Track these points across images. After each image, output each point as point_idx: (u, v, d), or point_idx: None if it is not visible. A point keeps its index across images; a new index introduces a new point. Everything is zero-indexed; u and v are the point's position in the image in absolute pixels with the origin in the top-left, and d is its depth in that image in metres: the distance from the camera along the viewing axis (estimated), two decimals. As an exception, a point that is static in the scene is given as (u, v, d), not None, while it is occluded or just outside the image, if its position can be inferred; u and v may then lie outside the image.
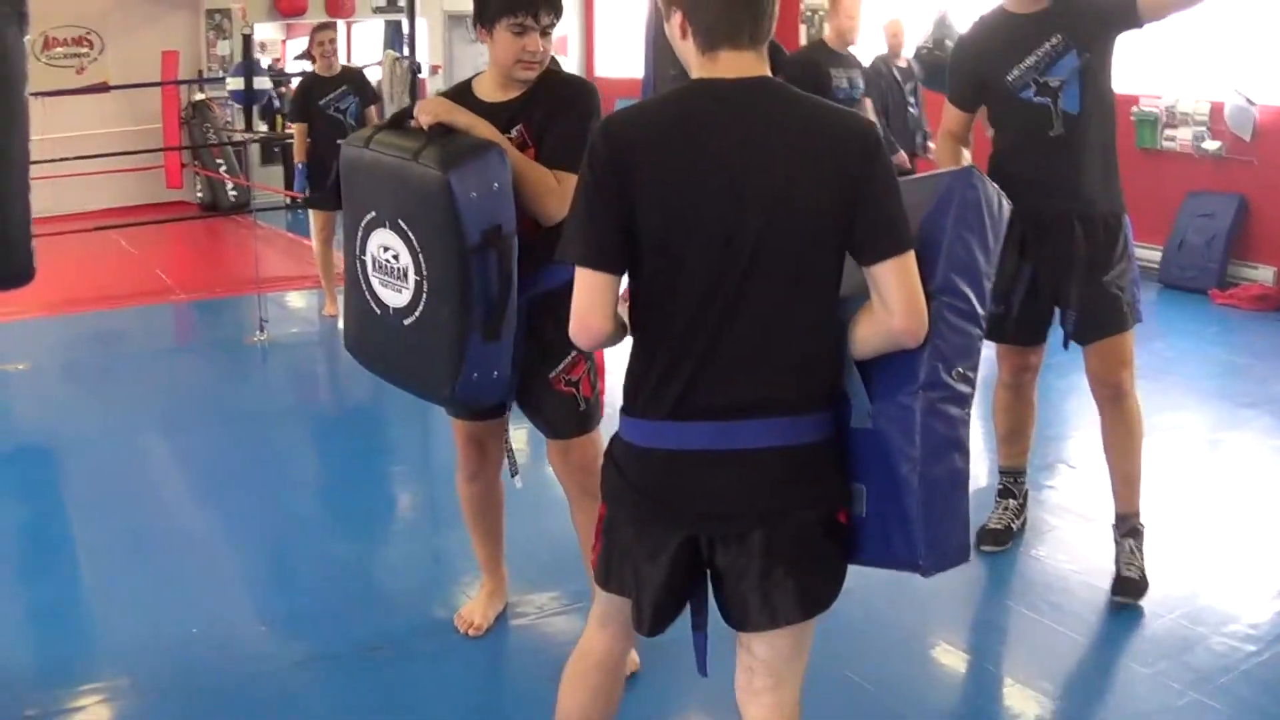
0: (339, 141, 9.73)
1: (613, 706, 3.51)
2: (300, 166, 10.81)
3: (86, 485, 7.38)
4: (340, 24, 21.21)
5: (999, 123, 5.59)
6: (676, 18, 3.03)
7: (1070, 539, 6.15)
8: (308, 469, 7.71)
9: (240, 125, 18.45)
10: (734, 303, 2.93)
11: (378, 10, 20.23)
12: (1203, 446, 7.58)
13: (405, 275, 4.04)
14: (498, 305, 3.64)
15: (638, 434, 3.09)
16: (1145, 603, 5.43)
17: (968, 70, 5.61)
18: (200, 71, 18.72)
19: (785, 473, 3.02)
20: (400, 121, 4.20)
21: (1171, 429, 7.60)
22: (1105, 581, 5.60)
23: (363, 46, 21.90)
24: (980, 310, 3.10)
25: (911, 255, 2.95)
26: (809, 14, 16.14)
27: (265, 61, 19.45)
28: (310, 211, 11.15)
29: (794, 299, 2.96)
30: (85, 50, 18.03)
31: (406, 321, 4.10)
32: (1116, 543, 5.62)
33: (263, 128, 19.16)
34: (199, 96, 18.46)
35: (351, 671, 4.98)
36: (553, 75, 4.44)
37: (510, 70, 4.33)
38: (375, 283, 4.19)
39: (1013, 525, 6.11)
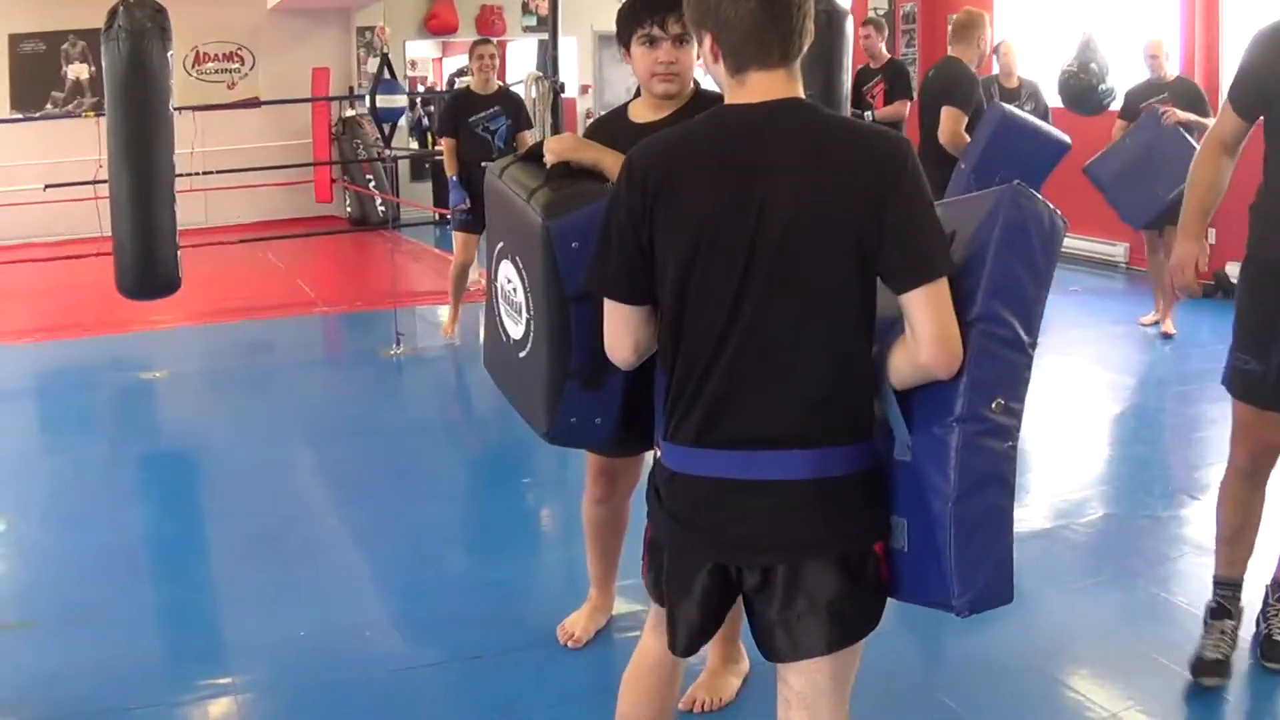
0: (483, 164, 9.83)
1: (668, 708, 3.53)
2: (454, 180, 10.63)
3: (217, 490, 7.54)
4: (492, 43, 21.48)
5: (1276, 154, 4.77)
6: (707, 41, 3.00)
7: (1186, 572, 6.06)
8: (434, 481, 7.77)
9: (394, 141, 18.65)
10: (755, 330, 2.91)
11: (528, 29, 20.37)
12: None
13: (520, 310, 4.04)
14: (599, 354, 3.62)
15: (670, 458, 3.09)
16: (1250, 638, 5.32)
17: (1255, 78, 4.72)
18: (350, 88, 18.97)
19: (812, 506, 2.96)
20: (535, 154, 4.13)
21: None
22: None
23: (516, 66, 22.08)
24: (1026, 338, 2.95)
25: (943, 283, 2.85)
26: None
27: (473, 77, 19.70)
28: (453, 233, 11.05)
29: (817, 327, 2.91)
30: (236, 66, 18.36)
31: (520, 354, 4.10)
32: (1271, 604, 5.11)
33: (413, 144, 19.37)
34: (349, 113, 18.68)
35: (452, 679, 5.03)
36: (709, 94, 4.27)
37: (650, 85, 4.28)
38: (501, 310, 4.21)
39: (1230, 654, 4.95)
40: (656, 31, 4.17)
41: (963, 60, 9.33)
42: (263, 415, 8.90)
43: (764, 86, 2.96)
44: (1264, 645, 5.02)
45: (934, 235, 2.88)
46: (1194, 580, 5.83)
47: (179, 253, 8.27)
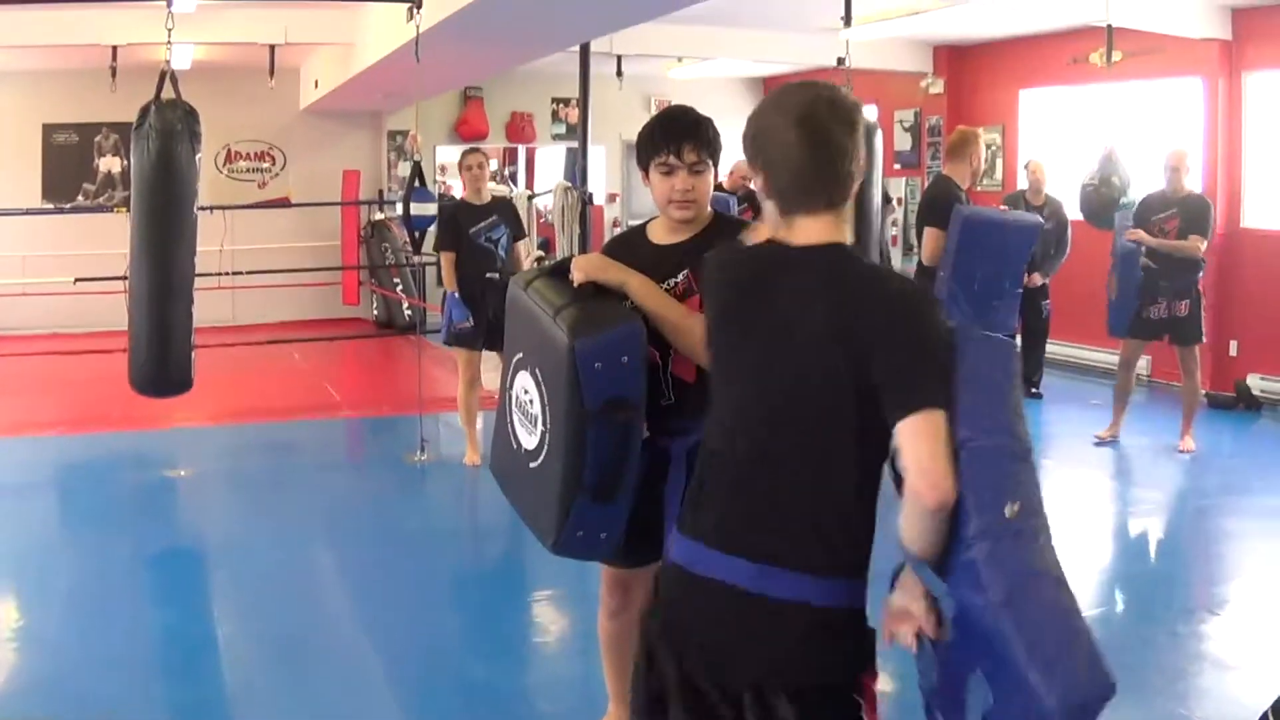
0: (489, 275, 9.61)
1: None
2: (454, 295, 10.15)
3: (238, 590, 7.54)
4: (521, 150, 21.58)
5: None
6: (761, 179, 3.14)
7: (1204, 688, 6.06)
8: (454, 590, 7.78)
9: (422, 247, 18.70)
10: (759, 454, 3.01)
11: (557, 137, 20.52)
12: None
13: (536, 422, 4.06)
14: (611, 471, 3.63)
15: (675, 548, 3.17)
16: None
17: None
18: (380, 191, 19.08)
19: (811, 641, 2.99)
20: (562, 269, 4.15)
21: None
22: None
23: (544, 173, 22.21)
24: (1019, 443, 2.94)
25: (933, 415, 2.87)
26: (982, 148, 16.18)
27: (455, 185, 19.79)
28: (455, 349, 10.46)
29: (813, 462, 2.98)
30: (267, 165, 18.50)
31: (532, 465, 4.12)
32: None
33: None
34: (378, 216, 18.77)
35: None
36: (726, 219, 4.46)
37: (667, 211, 4.32)
38: (515, 419, 4.23)
39: None
40: (673, 160, 4.23)
41: (953, 179, 9.32)
42: (285, 517, 8.92)
43: (808, 230, 3.07)
44: None
45: (926, 370, 2.91)
46: (1211, 696, 5.88)
47: (194, 353, 8.34)
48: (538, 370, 4.05)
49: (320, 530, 8.71)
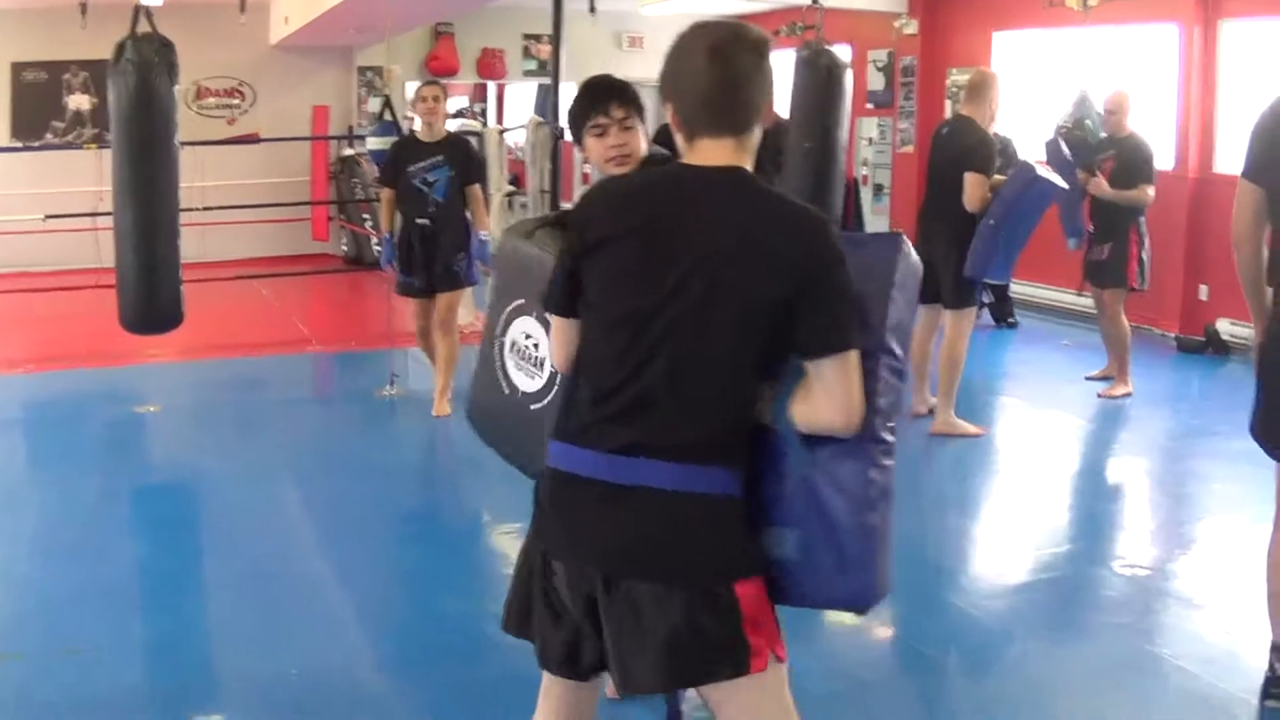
0: (418, 220, 9.45)
1: None
2: (385, 237, 9.90)
3: (209, 525, 7.60)
4: (491, 86, 21.50)
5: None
6: (669, 109, 3.21)
7: (1171, 625, 6.12)
8: (425, 523, 7.80)
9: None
10: (656, 355, 3.05)
11: (528, 74, 20.44)
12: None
13: (542, 364, 4.18)
14: None
15: (553, 454, 3.24)
16: (1236, 692, 5.30)
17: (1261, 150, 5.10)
18: (350, 127, 18.98)
19: (680, 525, 3.07)
20: (562, 221, 4.16)
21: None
22: (1199, 668, 5.54)
23: (514, 110, 22.16)
24: (906, 368, 3.25)
25: (854, 354, 3.04)
26: (954, 90, 16.17)
27: (419, 121, 19.67)
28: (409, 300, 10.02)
29: (707, 371, 3.05)
30: (237, 102, 18.40)
31: (533, 407, 4.23)
32: None
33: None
34: (348, 152, 18.68)
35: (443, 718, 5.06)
36: (653, 156, 4.53)
37: (606, 170, 4.45)
38: (510, 364, 4.32)
39: None
40: (603, 119, 4.39)
41: (975, 120, 9.27)
42: (256, 452, 8.92)
43: (711, 153, 3.14)
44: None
45: (847, 309, 3.05)
46: (1178, 633, 5.92)
47: (182, 288, 8.30)
48: (537, 312, 4.14)
49: (290, 464, 8.72)
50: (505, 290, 4.40)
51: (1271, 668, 5.06)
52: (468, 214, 9.67)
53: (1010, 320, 13.56)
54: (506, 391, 4.34)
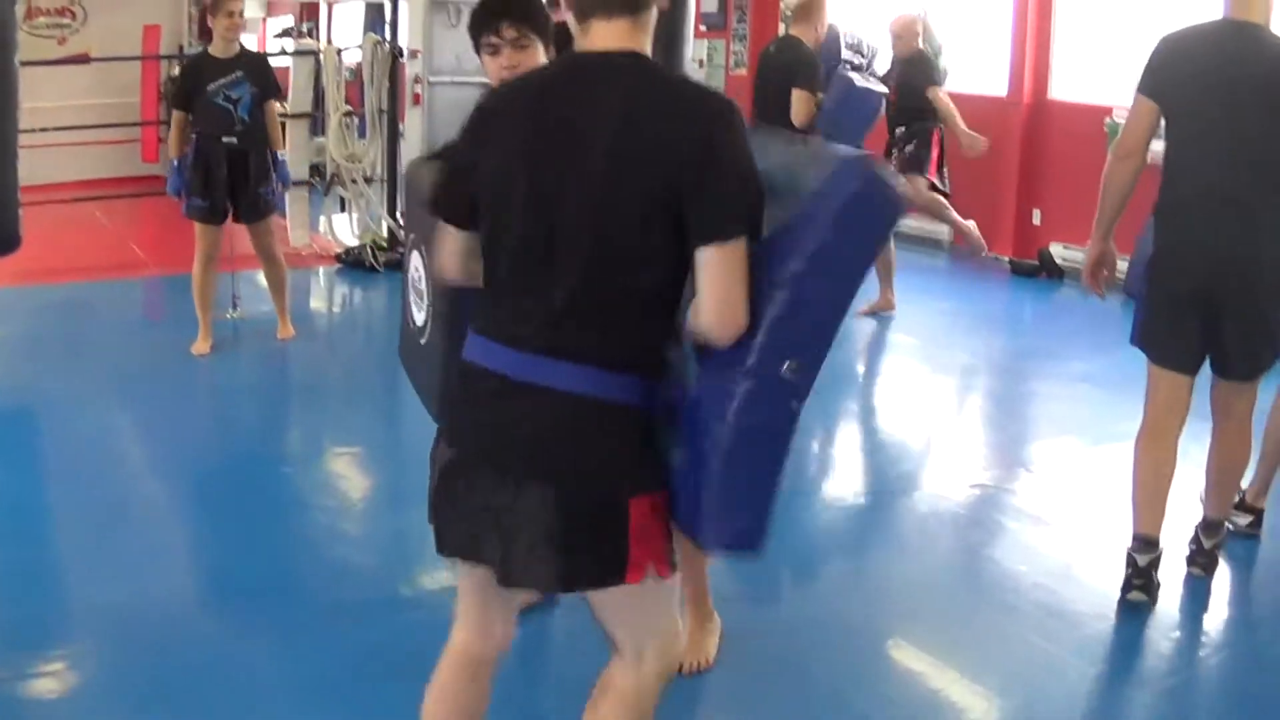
0: (225, 139, 9.06)
1: (480, 711, 3.51)
2: (174, 163, 9.30)
3: (51, 453, 7.49)
4: (322, 5, 21.21)
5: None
6: None
7: (1022, 541, 6.28)
8: (273, 444, 7.78)
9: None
10: (557, 252, 2.97)
11: (359, -8, 20.21)
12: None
13: (424, 297, 4.23)
14: None
15: (467, 345, 3.20)
16: (1091, 604, 5.56)
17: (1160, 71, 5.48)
18: (181, 46, 18.65)
19: (577, 428, 3.02)
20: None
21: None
22: (1054, 583, 5.74)
23: (344, 30, 21.88)
24: (837, 310, 3.01)
25: (737, 245, 2.90)
26: (788, 13, 16.24)
27: (247, 39, 19.36)
28: (195, 225, 9.37)
29: (609, 265, 2.97)
30: (68, 21, 18.01)
31: (421, 340, 4.29)
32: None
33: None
34: (178, 71, 18.40)
35: (311, 641, 5.05)
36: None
37: None
38: (411, 297, 4.39)
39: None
40: (495, 39, 4.34)
41: (803, 40, 9.49)
42: (98, 377, 8.78)
43: (605, 36, 3.02)
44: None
45: (739, 197, 2.92)
46: (1031, 550, 6.09)
47: (20, 210, 8.13)
48: (423, 246, 4.15)
49: (133, 390, 8.59)
50: (409, 222, 4.41)
51: (1132, 561, 5.45)
52: None
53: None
54: (411, 326, 4.39)
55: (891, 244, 10.61)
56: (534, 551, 3.03)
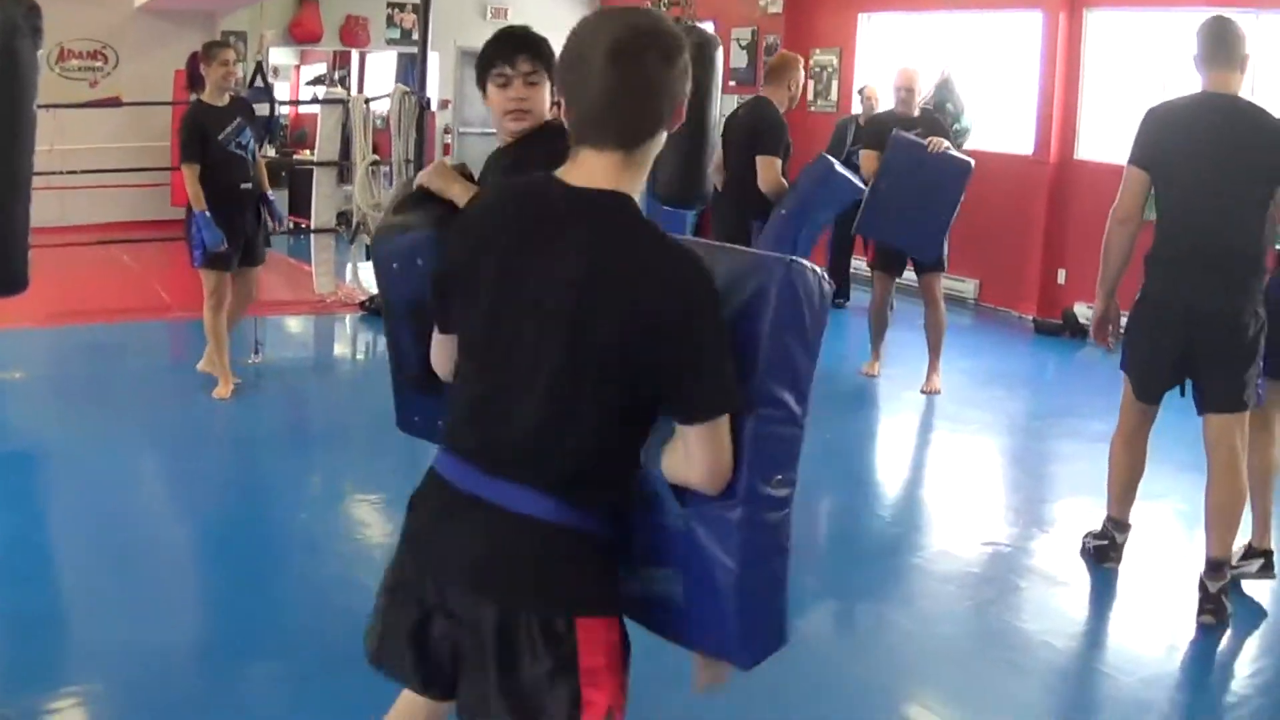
0: (243, 186, 9.15)
1: None
2: (201, 215, 8.99)
3: (73, 495, 7.47)
4: (355, 54, 21.35)
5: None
6: (562, 104, 2.87)
7: (1035, 600, 6.26)
8: (293, 491, 7.79)
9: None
10: (516, 384, 2.85)
11: (391, 42, 20.33)
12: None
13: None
14: (428, 366, 3.65)
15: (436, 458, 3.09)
16: (1101, 665, 5.62)
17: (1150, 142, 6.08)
18: (212, 92, 18.78)
19: (519, 547, 2.87)
20: (420, 193, 4.32)
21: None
22: (1063, 643, 5.76)
23: (374, 79, 22.01)
24: (799, 411, 2.91)
25: (723, 421, 2.78)
26: (818, 69, 16.30)
27: (280, 87, 19.47)
28: (203, 271, 9.37)
29: (574, 402, 2.81)
30: (99, 64, 18.11)
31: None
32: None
33: (269, 151, 19.25)
34: (209, 117, 18.50)
35: (323, 689, 5.04)
36: (550, 124, 4.34)
37: (503, 123, 4.39)
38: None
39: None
40: (508, 70, 4.31)
41: (773, 102, 9.35)
42: (121, 421, 8.80)
43: (591, 169, 2.81)
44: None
45: (720, 374, 2.77)
46: (1042, 608, 6.07)
47: (29, 253, 8.17)
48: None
49: (156, 434, 8.63)
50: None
51: (1106, 534, 6.51)
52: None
53: (839, 301, 13.22)
54: None
55: (887, 308, 10.60)
56: (483, 684, 2.91)
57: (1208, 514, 6.02)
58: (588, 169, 2.81)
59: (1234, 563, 6.16)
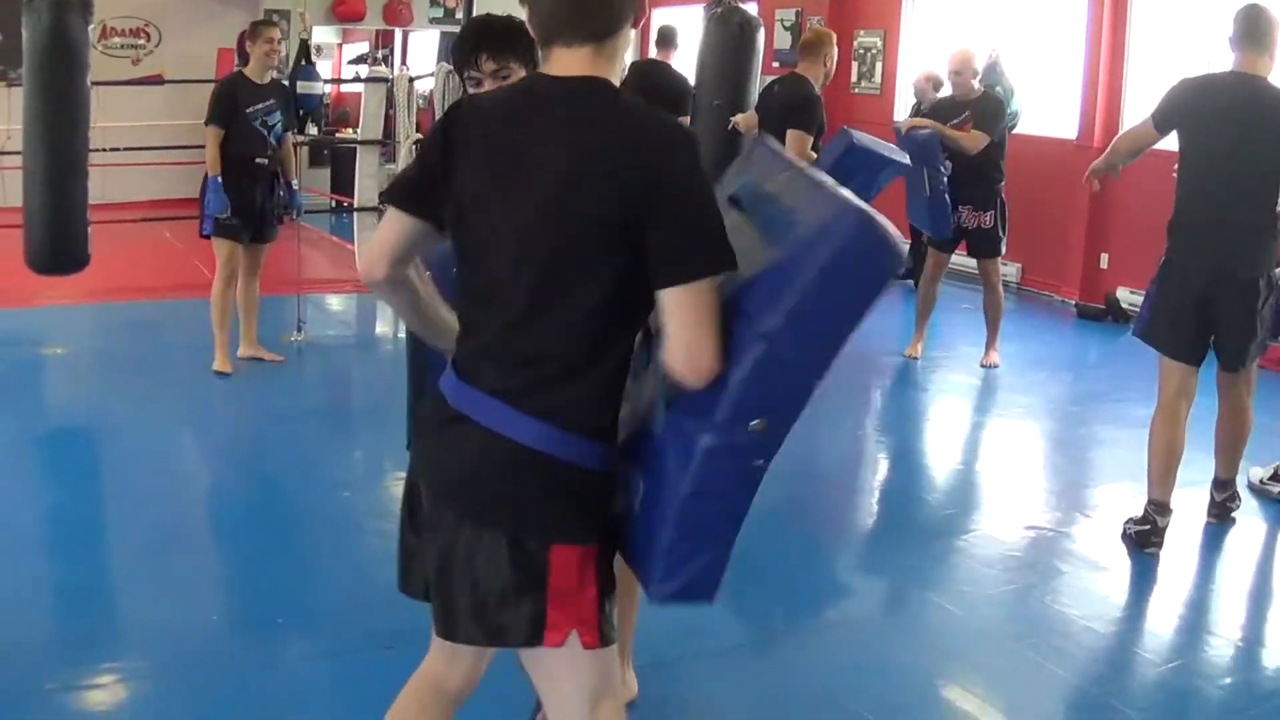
0: (258, 160, 9.08)
1: None
2: (216, 179, 9.09)
3: (116, 471, 7.54)
4: (398, 33, 21.34)
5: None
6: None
7: (1076, 586, 6.23)
8: (336, 468, 7.80)
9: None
10: (504, 285, 2.89)
11: (434, 21, 20.31)
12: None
13: None
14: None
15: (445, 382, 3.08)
16: (1141, 651, 5.62)
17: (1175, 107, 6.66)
18: (255, 71, 18.80)
19: (502, 466, 2.89)
20: None
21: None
22: (1104, 627, 5.75)
23: (416, 58, 22.01)
24: (815, 362, 2.78)
25: (702, 289, 2.75)
26: (861, 51, 16.24)
27: (323, 65, 19.45)
28: (214, 240, 9.38)
29: (562, 303, 2.84)
30: (142, 42, 18.14)
31: None
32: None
33: (312, 130, 19.25)
34: (252, 95, 18.52)
35: (362, 667, 5.03)
36: None
37: None
38: None
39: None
40: (475, 73, 4.21)
41: (808, 78, 9.33)
42: (163, 396, 8.85)
43: (566, 62, 2.91)
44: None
45: (700, 233, 2.77)
46: (1084, 594, 6.04)
47: (89, 229, 8.22)
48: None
49: (198, 411, 8.68)
50: None
51: (1149, 519, 6.57)
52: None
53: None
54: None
55: (937, 288, 10.60)
56: (458, 600, 2.97)
57: (1217, 443, 6.92)
58: (563, 64, 2.91)
59: (1263, 482, 7.50)
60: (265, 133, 9.25)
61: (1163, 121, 6.64)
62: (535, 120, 2.90)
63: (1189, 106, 6.56)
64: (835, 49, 9.52)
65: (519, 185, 2.86)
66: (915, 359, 10.63)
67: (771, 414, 2.79)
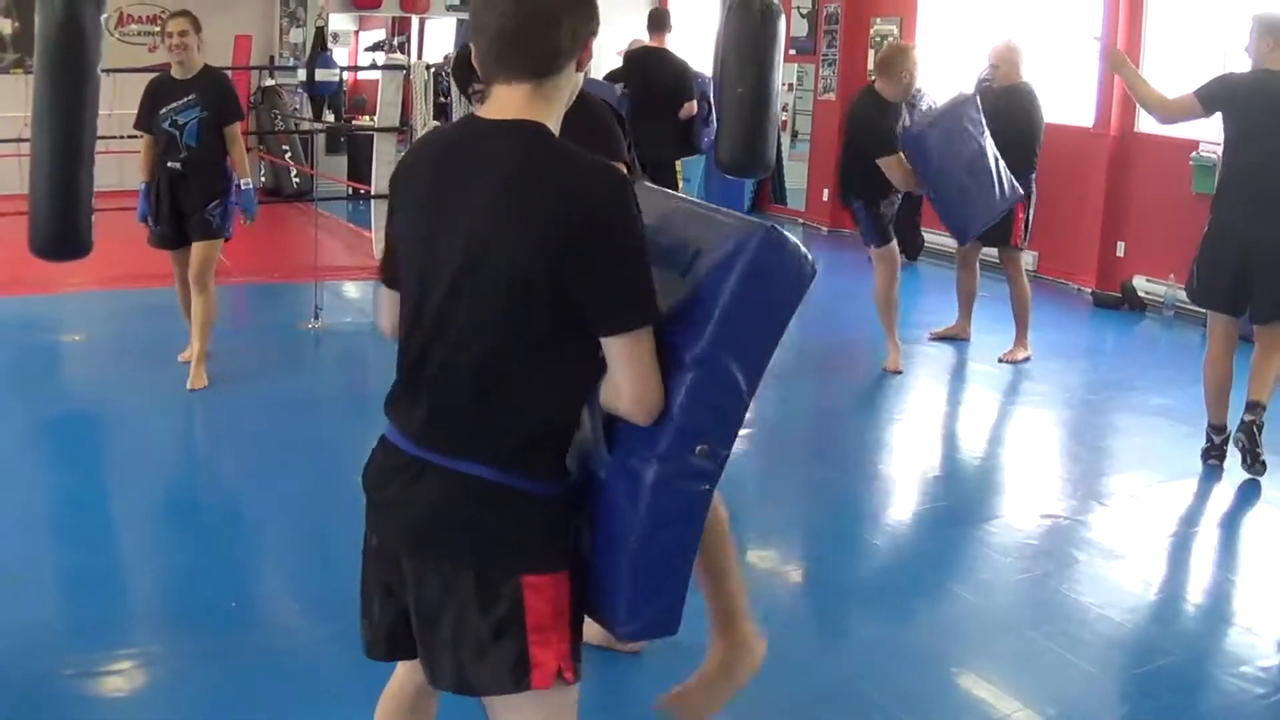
0: (169, 164, 8.73)
1: None
2: (143, 187, 9.00)
3: (132, 457, 7.57)
4: (415, 20, 21.30)
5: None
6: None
7: (1093, 574, 6.23)
8: (351, 454, 7.77)
9: (307, 113, 18.40)
10: (436, 334, 2.87)
11: (451, 8, 20.26)
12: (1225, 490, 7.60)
13: None
14: None
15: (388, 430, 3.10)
16: (1157, 639, 5.61)
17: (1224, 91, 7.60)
18: (271, 58, 18.82)
19: (458, 505, 2.87)
20: None
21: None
22: (1121, 616, 5.75)
23: (434, 44, 21.98)
24: (745, 387, 2.87)
25: (644, 334, 2.77)
26: (878, 39, 16.21)
27: (339, 53, 19.44)
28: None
29: (490, 349, 2.82)
30: (158, 29, 18.13)
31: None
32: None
33: (329, 117, 19.26)
34: (268, 82, 18.51)
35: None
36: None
37: None
38: None
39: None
40: (478, 85, 4.17)
41: (884, 95, 9.31)
42: (178, 383, 8.80)
43: (502, 101, 2.87)
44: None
45: (634, 282, 2.77)
46: (1100, 582, 6.04)
47: (94, 216, 8.21)
48: None
49: (215, 397, 8.67)
50: None
51: (1209, 438, 7.69)
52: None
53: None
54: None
55: (976, 271, 10.58)
56: (439, 652, 2.93)
57: (1251, 372, 7.58)
58: (501, 103, 2.87)
59: None
60: (175, 133, 8.73)
61: (1209, 102, 7.59)
62: (469, 163, 2.86)
63: (1231, 94, 7.54)
64: (914, 61, 9.43)
65: (448, 230, 2.84)
66: (965, 339, 10.81)
67: (712, 438, 2.86)
